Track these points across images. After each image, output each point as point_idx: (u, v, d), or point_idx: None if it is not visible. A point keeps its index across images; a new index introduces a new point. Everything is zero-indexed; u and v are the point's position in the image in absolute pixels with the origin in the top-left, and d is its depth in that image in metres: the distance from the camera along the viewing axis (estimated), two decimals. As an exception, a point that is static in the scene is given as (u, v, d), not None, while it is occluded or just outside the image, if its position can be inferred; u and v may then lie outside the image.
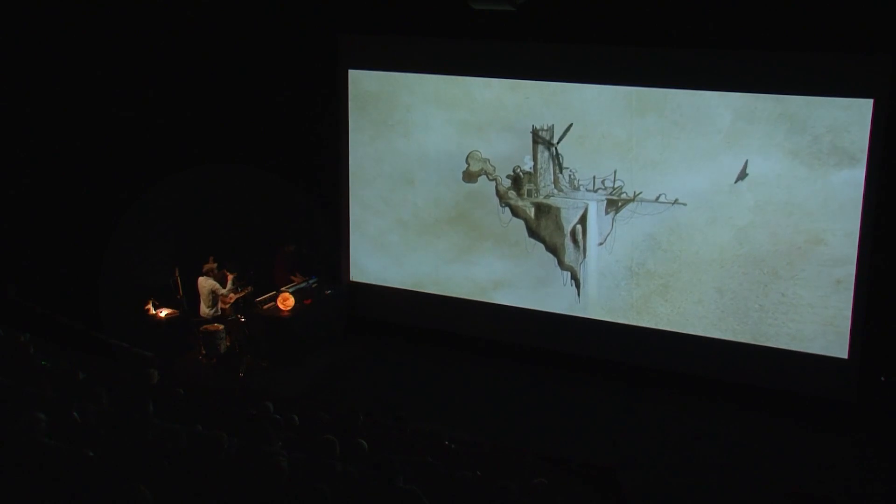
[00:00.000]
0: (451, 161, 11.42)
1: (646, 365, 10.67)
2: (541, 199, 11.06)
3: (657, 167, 10.32)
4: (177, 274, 11.09)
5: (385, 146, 11.76)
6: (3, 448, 4.76)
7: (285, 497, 4.83)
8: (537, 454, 7.61)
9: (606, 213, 10.69)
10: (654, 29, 9.79)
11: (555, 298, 11.15)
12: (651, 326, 10.67)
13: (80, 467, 4.62)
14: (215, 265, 11.08)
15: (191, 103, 11.72)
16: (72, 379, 7.10)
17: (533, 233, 11.19)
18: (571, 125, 10.64)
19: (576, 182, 10.78)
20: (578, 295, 11.03)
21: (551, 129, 10.77)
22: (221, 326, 10.82)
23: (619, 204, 10.59)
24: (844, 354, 9.78)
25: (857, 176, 9.43)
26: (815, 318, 9.90)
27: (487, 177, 11.30)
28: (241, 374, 10.61)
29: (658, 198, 10.38)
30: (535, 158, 10.94)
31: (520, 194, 11.16)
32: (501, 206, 11.29)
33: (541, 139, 10.82)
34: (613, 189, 10.57)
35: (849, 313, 9.70)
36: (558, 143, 10.74)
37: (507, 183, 11.21)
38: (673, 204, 10.31)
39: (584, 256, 10.93)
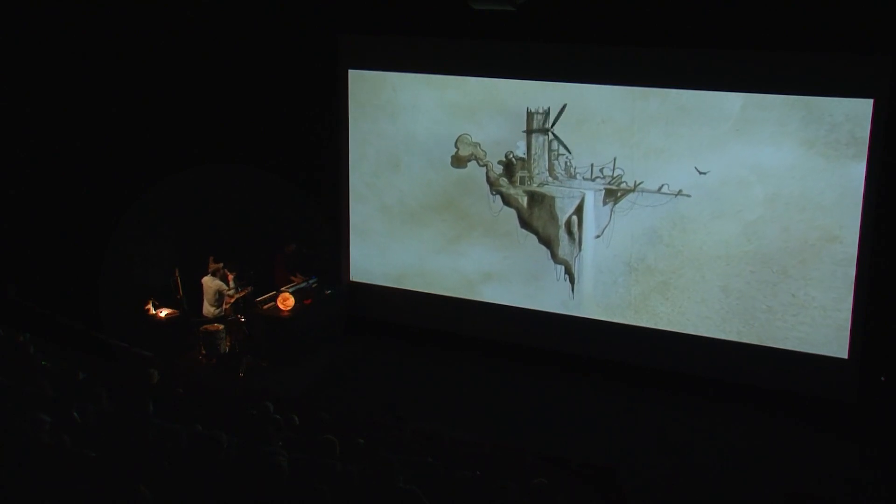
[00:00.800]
0: (439, 145, 10.96)
1: (643, 365, 10.55)
2: (534, 187, 10.59)
3: (660, 155, 9.83)
4: (177, 274, 11.12)
5: (370, 127, 11.31)
6: (5, 448, 4.76)
7: (285, 497, 4.84)
8: (537, 454, 7.62)
9: (604, 203, 10.26)
10: (654, 29, 9.78)
11: (547, 294, 10.76)
12: (650, 326, 10.38)
13: (81, 467, 4.63)
14: (221, 265, 11.09)
15: (191, 103, 11.76)
16: (72, 379, 7.13)
17: (525, 223, 10.75)
18: (565, 105, 10.15)
19: (572, 170, 10.32)
20: (572, 291, 10.63)
21: (546, 113, 10.32)
22: (221, 326, 10.83)
23: (619, 194, 10.17)
24: (844, 354, 9.73)
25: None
26: (827, 321, 9.49)
27: (478, 162, 10.82)
28: (241, 374, 10.63)
29: (660, 188, 9.94)
30: (528, 144, 10.50)
31: (512, 181, 10.70)
32: (492, 193, 10.84)
33: (535, 123, 10.37)
34: (612, 178, 10.14)
35: (849, 314, 9.60)
36: (553, 126, 10.28)
37: (499, 169, 10.76)
38: (676, 195, 9.87)
39: (580, 250, 10.52)
